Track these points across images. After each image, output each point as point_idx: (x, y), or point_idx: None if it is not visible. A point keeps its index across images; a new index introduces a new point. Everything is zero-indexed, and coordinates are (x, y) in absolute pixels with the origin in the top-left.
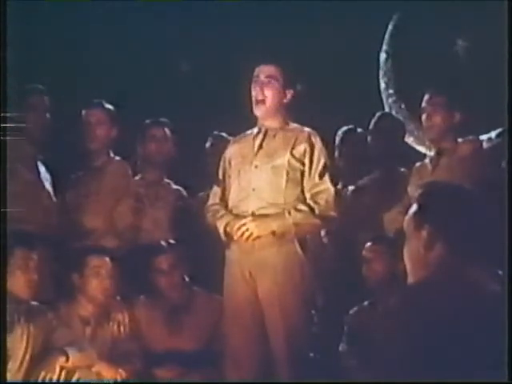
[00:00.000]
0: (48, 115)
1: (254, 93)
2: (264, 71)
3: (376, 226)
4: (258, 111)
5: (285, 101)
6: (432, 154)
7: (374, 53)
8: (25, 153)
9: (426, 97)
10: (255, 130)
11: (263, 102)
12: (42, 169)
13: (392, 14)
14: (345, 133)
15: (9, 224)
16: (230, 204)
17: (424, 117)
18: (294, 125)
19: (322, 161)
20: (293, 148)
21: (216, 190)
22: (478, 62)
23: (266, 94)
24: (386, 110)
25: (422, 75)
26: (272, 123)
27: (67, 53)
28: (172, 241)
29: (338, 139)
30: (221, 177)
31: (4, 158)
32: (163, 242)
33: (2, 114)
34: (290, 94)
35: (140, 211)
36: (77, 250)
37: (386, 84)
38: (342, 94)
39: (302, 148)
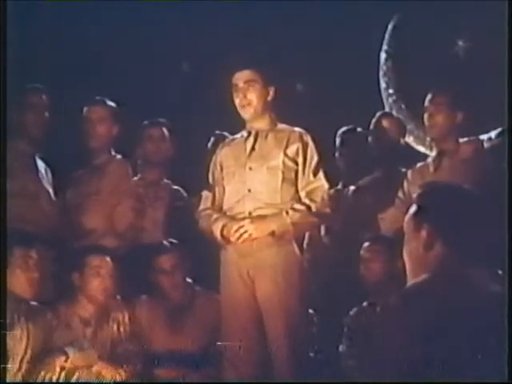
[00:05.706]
0: (47, 114)
1: (237, 100)
2: (241, 78)
3: (377, 226)
4: (246, 114)
5: (269, 99)
6: (433, 153)
7: (374, 53)
8: (24, 152)
9: (429, 96)
10: (244, 133)
11: (249, 104)
12: (42, 167)
13: (392, 14)
14: (345, 133)
15: (9, 223)
16: (225, 206)
17: (426, 116)
18: (282, 125)
19: (316, 158)
20: (286, 148)
21: (207, 195)
22: (478, 62)
23: (249, 97)
24: (387, 109)
25: (422, 75)
26: (261, 124)
27: (68, 52)
28: (174, 240)
29: (338, 139)
30: (211, 181)
31: (4, 158)
32: (166, 242)
33: (2, 114)
34: (271, 90)
35: (140, 211)
36: (77, 250)
37: (387, 84)
38: (342, 94)
39: (295, 147)
